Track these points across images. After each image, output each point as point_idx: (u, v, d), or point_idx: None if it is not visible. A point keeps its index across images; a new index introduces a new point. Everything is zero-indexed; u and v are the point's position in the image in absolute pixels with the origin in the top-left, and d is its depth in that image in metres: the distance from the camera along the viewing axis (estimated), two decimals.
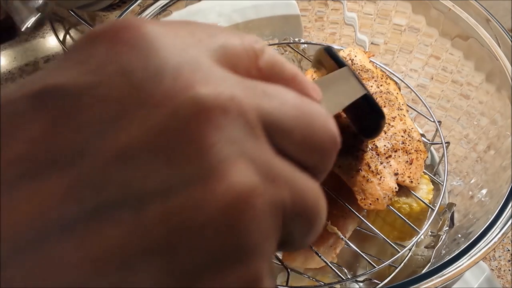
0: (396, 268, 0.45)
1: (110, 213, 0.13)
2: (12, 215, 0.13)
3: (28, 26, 0.61)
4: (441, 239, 0.49)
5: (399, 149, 0.47)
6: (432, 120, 0.54)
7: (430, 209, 0.48)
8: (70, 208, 0.13)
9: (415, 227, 0.45)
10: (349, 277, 0.45)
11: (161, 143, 0.14)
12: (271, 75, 0.19)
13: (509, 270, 0.57)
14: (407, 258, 0.46)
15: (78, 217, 0.13)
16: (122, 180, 0.14)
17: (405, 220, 0.45)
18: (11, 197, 0.13)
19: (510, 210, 0.40)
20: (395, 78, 0.56)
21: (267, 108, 0.16)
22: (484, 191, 0.49)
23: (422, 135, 0.56)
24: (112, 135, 0.14)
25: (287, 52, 0.48)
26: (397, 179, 0.46)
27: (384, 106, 0.49)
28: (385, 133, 0.47)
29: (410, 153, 0.47)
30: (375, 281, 0.45)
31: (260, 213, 0.15)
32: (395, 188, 0.45)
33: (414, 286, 0.35)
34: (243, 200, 0.14)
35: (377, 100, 0.49)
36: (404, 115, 0.50)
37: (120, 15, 0.52)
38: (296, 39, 0.64)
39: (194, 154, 0.14)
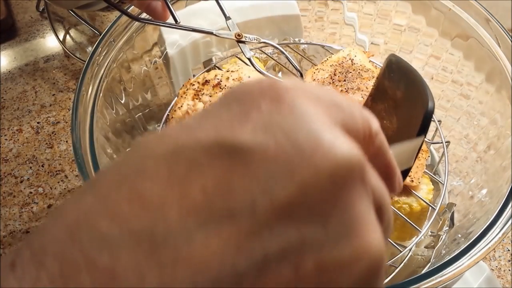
0: (396, 268, 0.45)
1: (273, 266, 0.15)
2: (191, 263, 0.15)
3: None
4: (441, 239, 0.49)
5: None
6: (432, 119, 0.54)
7: (430, 209, 0.48)
8: (242, 259, 0.15)
9: (416, 227, 0.45)
10: None
11: (319, 204, 0.16)
12: (374, 155, 0.21)
13: (509, 270, 0.57)
14: (407, 258, 0.46)
15: (248, 267, 0.15)
16: (284, 236, 0.15)
17: (406, 220, 0.45)
18: (189, 246, 0.15)
19: (510, 210, 0.40)
20: None
21: (378, 192, 0.19)
22: (484, 191, 0.49)
23: None
24: (277, 191, 0.16)
25: (287, 52, 0.49)
26: None
27: None
28: None
29: None
30: None
31: (383, 274, 0.18)
32: None
33: (414, 286, 0.35)
34: (378, 263, 0.17)
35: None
36: None
37: (120, 16, 0.52)
38: (296, 39, 0.64)
39: (344, 217, 0.16)
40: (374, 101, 0.36)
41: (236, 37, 0.44)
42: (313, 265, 0.16)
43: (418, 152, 0.29)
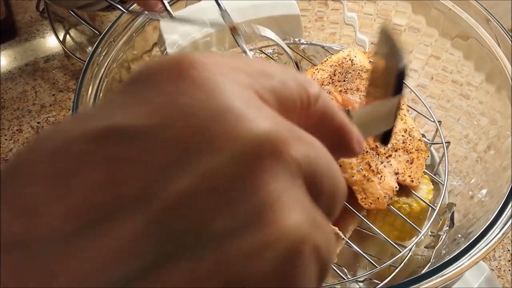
0: (396, 268, 0.45)
1: (170, 263, 0.13)
2: (75, 269, 0.13)
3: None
4: (441, 239, 0.49)
5: (399, 149, 0.47)
6: (432, 120, 0.54)
7: (430, 209, 0.48)
8: (134, 260, 0.13)
9: (416, 227, 0.45)
10: (349, 277, 0.45)
11: (222, 189, 0.14)
12: (319, 120, 0.19)
13: (509, 270, 0.57)
14: (407, 258, 0.46)
15: (141, 269, 0.13)
16: (182, 228, 0.14)
17: (406, 220, 0.45)
18: (68, 254, 0.13)
19: (510, 210, 0.40)
20: None
21: (309, 161, 0.16)
22: (484, 191, 0.49)
23: (422, 135, 0.56)
24: (174, 180, 0.14)
25: (286, 48, 0.49)
26: (397, 178, 0.46)
27: None
28: None
29: (410, 152, 0.47)
30: (375, 281, 0.45)
31: (309, 260, 0.15)
32: (396, 187, 0.45)
33: (414, 286, 0.35)
34: (297, 248, 0.15)
35: None
36: (405, 115, 0.50)
37: (120, 15, 0.52)
38: (296, 39, 0.64)
39: (253, 201, 0.14)
40: (371, 85, 0.35)
41: (231, 29, 0.44)
42: (214, 260, 0.14)
43: (397, 113, 0.28)
